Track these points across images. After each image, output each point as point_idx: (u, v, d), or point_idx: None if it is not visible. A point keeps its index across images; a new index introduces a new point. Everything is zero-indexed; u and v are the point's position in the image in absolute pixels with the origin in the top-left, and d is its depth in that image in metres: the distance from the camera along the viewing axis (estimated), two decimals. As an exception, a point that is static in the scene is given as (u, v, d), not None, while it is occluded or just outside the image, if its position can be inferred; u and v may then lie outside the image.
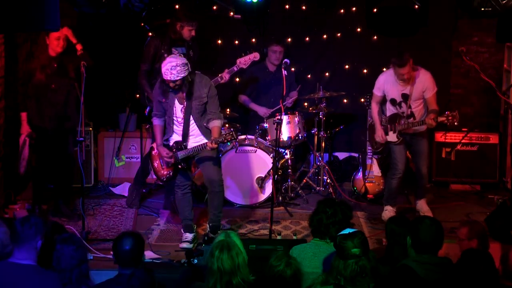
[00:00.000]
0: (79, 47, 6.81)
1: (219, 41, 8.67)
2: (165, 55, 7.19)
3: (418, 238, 4.29)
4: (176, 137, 6.49)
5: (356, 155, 8.51)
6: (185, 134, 6.44)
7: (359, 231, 4.14)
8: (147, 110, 7.40)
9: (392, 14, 7.10)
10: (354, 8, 8.61)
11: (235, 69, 7.41)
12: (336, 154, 8.89)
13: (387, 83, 7.16)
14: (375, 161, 7.97)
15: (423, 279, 4.15)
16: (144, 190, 7.95)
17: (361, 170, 8.05)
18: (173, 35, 7.25)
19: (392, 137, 7.23)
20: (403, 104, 7.12)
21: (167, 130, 6.57)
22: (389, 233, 4.97)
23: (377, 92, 7.26)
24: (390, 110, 7.25)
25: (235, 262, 4.09)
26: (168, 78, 6.13)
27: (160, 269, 5.81)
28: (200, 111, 6.40)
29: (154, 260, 6.10)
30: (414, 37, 7.57)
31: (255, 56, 7.42)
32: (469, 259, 4.26)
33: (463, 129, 8.53)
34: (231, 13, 8.22)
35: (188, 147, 6.45)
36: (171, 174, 6.58)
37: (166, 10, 8.10)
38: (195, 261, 5.74)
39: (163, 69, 6.13)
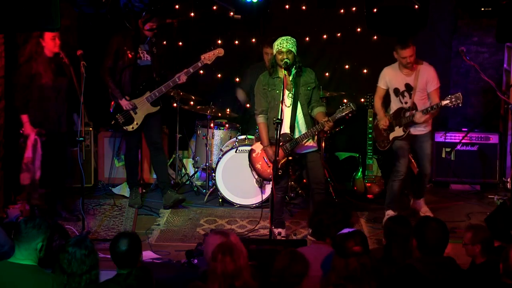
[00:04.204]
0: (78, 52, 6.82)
1: (219, 41, 8.67)
2: (128, 51, 7.24)
3: (424, 240, 4.28)
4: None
5: (356, 155, 8.51)
6: (292, 125, 6.53)
7: (358, 230, 4.14)
8: (113, 106, 7.44)
9: (392, 14, 7.11)
10: (354, 8, 8.61)
11: (200, 64, 7.41)
12: (336, 154, 8.89)
13: (389, 73, 7.12)
14: (375, 161, 7.97)
15: (428, 279, 4.15)
16: (143, 190, 7.95)
17: (361, 170, 8.05)
18: (134, 32, 7.31)
19: (398, 131, 7.14)
20: (406, 94, 7.06)
21: (272, 127, 6.51)
22: (387, 232, 4.96)
23: (380, 84, 7.21)
24: (392, 108, 7.20)
25: (237, 265, 4.07)
26: (283, 46, 6.37)
27: (160, 269, 5.81)
28: (307, 98, 6.56)
29: (154, 260, 6.09)
30: (414, 37, 7.56)
31: (219, 51, 7.44)
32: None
33: (463, 129, 8.54)
34: (231, 13, 8.22)
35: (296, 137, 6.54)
36: (279, 170, 6.53)
37: (166, 10, 8.10)
38: (195, 261, 5.74)
39: (276, 43, 6.43)
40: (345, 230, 4.10)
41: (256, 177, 6.96)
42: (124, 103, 7.35)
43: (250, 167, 6.91)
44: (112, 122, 7.54)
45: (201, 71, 8.38)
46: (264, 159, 6.71)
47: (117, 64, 7.33)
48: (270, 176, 6.67)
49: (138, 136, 7.66)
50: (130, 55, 7.31)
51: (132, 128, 7.46)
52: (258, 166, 6.76)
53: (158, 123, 7.60)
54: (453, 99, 6.79)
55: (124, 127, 7.47)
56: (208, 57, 7.39)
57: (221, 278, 4.00)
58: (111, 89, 7.39)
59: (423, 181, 7.39)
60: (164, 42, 8.21)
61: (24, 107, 6.88)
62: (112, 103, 7.46)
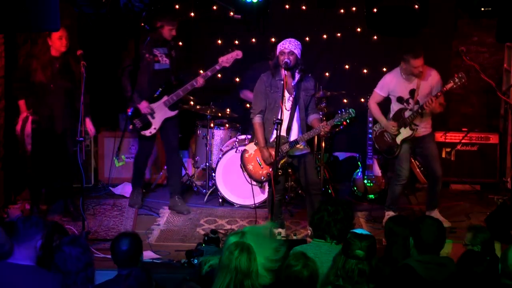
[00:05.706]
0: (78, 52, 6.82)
1: (219, 41, 8.67)
2: (147, 55, 7.20)
3: (420, 238, 4.29)
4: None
5: (356, 155, 8.51)
6: (289, 128, 6.52)
7: (372, 235, 4.10)
8: (131, 110, 7.38)
9: (392, 14, 7.10)
10: (354, 8, 8.61)
11: (217, 67, 7.34)
12: (336, 154, 8.89)
13: (393, 82, 7.04)
14: (375, 161, 7.97)
15: (424, 279, 4.15)
16: (144, 190, 7.96)
17: (361, 170, 8.05)
18: (154, 35, 7.25)
19: (405, 132, 7.00)
20: (410, 100, 6.98)
21: (269, 128, 6.54)
22: (388, 232, 4.97)
23: (380, 91, 7.12)
24: (393, 110, 7.12)
25: (251, 266, 4.08)
26: (285, 47, 6.40)
27: (160, 269, 5.81)
28: (306, 104, 6.59)
29: (154, 260, 6.09)
30: (414, 37, 7.56)
31: (237, 54, 7.39)
32: (469, 261, 4.27)
33: (463, 129, 8.54)
34: (231, 13, 8.22)
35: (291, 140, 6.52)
36: (271, 171, 6.40)
37: (166, 10, 8.10)
38: (195, 261, 5.74)
39: (280, 44, 6.45)
40: (360, 231, 4.08)
41: (248, 178, 6.86)
42: (143, 106, 7.27)
43: (241, 167, 6.87)
44: (130, 127, 7.50)
45: (201, 71, 8.37)
46: (257, 160, 6.69)
47: (135, 67, 7.24)
48: (262, 178, 6.69)
49: (152, 141, 7.57)
50: (149, 59, 7.24)
51: (150, 133, 7.39)
52: (250, 167, 6.74)
53: (175, 127, 7.51)
54: (456, 80, 6.69)
55: (141, 132, 7.42)
56: (226, 59, 7.31)
57: (234, 273, 4.02)
58: (128, 92, 7.30)
59: (437, 187, 7.14)
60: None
61: (21, 94, 6.91)
62: (131, 108, 7.37)
